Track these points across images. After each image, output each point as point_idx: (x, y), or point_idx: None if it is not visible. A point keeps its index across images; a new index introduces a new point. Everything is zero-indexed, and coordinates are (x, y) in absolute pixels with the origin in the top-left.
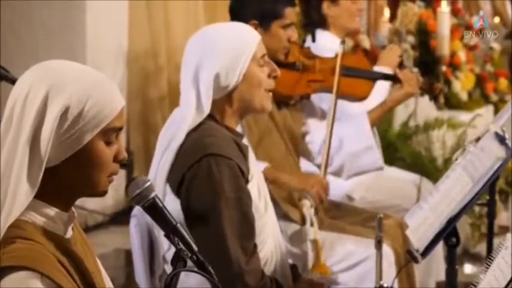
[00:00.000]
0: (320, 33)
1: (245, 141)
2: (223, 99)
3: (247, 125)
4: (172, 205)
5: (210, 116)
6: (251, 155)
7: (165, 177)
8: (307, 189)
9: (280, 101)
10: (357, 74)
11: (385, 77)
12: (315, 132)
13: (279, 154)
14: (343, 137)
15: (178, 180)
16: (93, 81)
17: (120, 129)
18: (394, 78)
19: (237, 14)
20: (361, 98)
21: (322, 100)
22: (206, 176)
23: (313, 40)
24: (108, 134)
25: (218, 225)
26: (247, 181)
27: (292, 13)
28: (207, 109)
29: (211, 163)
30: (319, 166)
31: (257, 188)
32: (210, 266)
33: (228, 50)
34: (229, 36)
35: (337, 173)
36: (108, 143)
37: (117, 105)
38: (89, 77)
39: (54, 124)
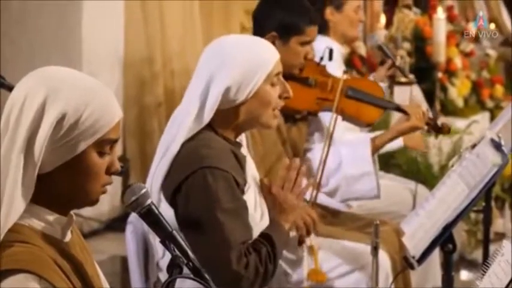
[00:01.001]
0: (319, 38)
1: (243, 150)
2: (229, 110)
3: (253, 135)
4: (167, 212)
5: (209, 125)
6: (249, 165)
7: (160, 184)
8: (294, 220)
9: (288, 114)
10: (366, 99)
11: (394, 108)
12: (317, 150)
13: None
14: (343, 159)
15: (173, 188)
16: (92, 90)
17: (115, 141)
18: (402, 111)
19: (259, 22)
20: (368, 124)
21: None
22: (202, 187)
23: (330, 59)
24: (103, 145)
25: (216, 234)
26: (243, 192)
27: (313, 32)
28: (206, 120)
29: (207, 175)
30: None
31: (254, 198)
32: (206, 273)
33: (244, 64)
34: (247, 51)
35: (331, 194)
36: (102, 154)
37: (114, 117)
38: (88, 85)
39: (50, 130)
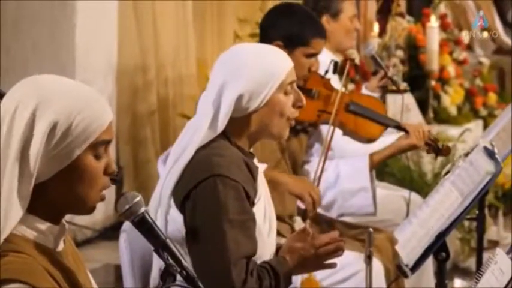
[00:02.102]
0: (324, 50)
1: (256, 162)
2: (242, 119)
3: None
4: (176, 219)
5: (223, 134)
6: (261, 176)
7: (171, 190)
8: (303, 193)
9: None
10: (367, 115)
11: (395, 126)
12: (316, 162)
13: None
14: (340, 173)
15: (183, 195)
16: (81, 95)
17: (109, 142)
18: (403, 129)
19: (266, 31)
20: (368, 140)
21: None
22: (212, 196)
23: (334, 72)
24: (97, 147)
25: (221, 244)
26: (253, 204)
27: (319, 44)
28: (221, 128)
29: (218, 183)
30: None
31: (263, 210)
32: (199, 281)
33: (257, 73)
34: (260, 59)
35: (328, 208)
36: (98, 157)
37: (106, 119)
38: (77, 91)
39: (43, 140)
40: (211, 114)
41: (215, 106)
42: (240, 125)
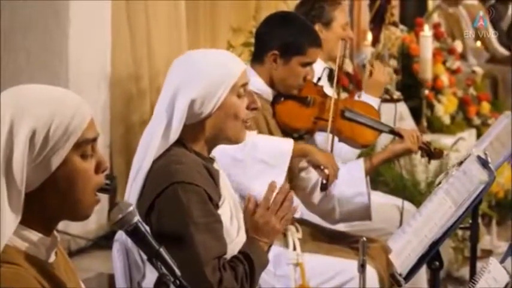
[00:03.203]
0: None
1: (216, 165)
2: (196, 125)
3: None
4: None
5: (179, 141)
6: (223, 179)
7: (135, 204)
8: (327, 164)
9: (285, 132)
10: (362, 121)
11: (389, 131)
12: (312, 170)
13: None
14: (337, 180)
15: (146, 207)
16: (56, 99)
17: (94, 140)
18: (397, 134)
19: (261, 40)
20: (364, 145)
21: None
22: (174, 203)
23: (329, 79)
24: (82, 147)
25: (191, 249)
26: (217, 206)
27: (315, 53)
28: (174, 136)
29: (179, 190)
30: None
31: (229, 212)
32: None
33: (208, 77)
34: (212, 63)
35: (326, 217)
36: (85, 156)
37: (85, 117)
38: (51, 95)
39: (25, 149)
40: (164, 122)
41: (168, 113)
42: (195, 131)
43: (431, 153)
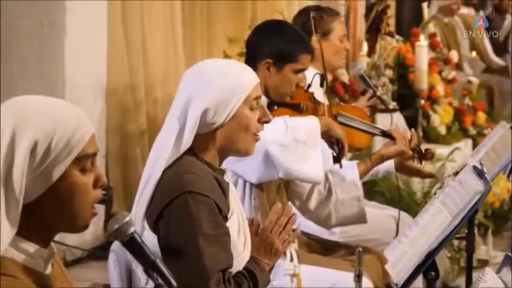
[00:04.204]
0: None
1: (226, 177)
2: (208, 135)
3: None
4: (150, 240)
5: (190, 151)
6: (232, 191)
7: (143, 213)
8: (343, 137)
9: None
10: (355, 125)
11: (381, 133)
12: None
13: (273, 190)
14: (332, 185)
15: (156, 215)
16: (59, 111)
17: (94, 155)
18: (389, 136)
19: (253, 49)
20: (357, 149)
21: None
22: (184, 213)
23: (321, 85)
24: (82, 162)
25: (197, 260)
26: (226, 218)
27: (306, 60)
28: (186, 145)
29: (189, 200)
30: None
31: (237, 225)
32: None
33: (222, 87)
34: (225, 74)
35: (323, 223)
36: (84, 171)
37: (86, 132)
38: (54, 108)
39: (25, 160)
40: (176, 130)
41: (181, 122)
42: (207, 141)
43: (423, 154)
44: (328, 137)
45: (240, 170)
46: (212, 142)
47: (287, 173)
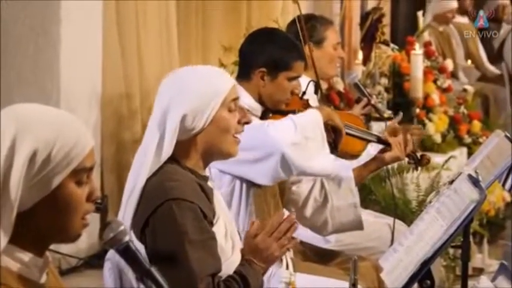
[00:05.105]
0: None
1: (210, 183)
2: (189, 141)
3: None
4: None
5: (172, 158)
6: (217, 197)
7: (130, 223)
8: (341, 124)
9: None
10: (351, 132)
11: (377, 140)
12: (304, 183)
13: (270, 196)
14: (327, 192)
15: (141, 225)
16: (61, 122)
17: (91, 168)
18: (384, 142)
19: (246, 58)
20: (353, 156)
21: None
22: (169, 220)
23: (316, 92)
24: (79, 174)
25: (186, 266)
26: (211, 223)
27: (300, 67)
28: (167, 153)
29: (173, 207)
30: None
31: (224, 229)
32: None
33: (198, 92)
34: (201, 79)
35: (320, 230)
36: (80, 183)
37: (86, 145)
38: (56, 118)
39: (23, 168)
40: (157, 139)
41: (161, 130)
42: (188, 148)
43: (418, 160)
44: (326, 125)
45: (251, 174)
46: (194, 148)
47: (301, 171)
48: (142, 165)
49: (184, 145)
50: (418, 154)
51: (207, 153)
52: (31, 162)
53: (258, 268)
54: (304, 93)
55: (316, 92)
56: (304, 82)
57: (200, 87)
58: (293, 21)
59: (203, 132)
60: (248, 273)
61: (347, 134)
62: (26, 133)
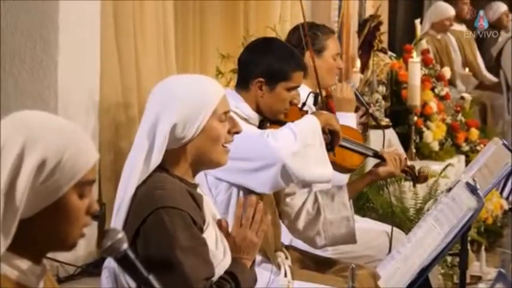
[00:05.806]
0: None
1: (199, 191)
2: (178, 150)
3: None
4: None
5: (161, 167)
6: (206, 203)
7: None
8: (338, 128)
9: None
10: (348, 145)
11: (373, 155)
12: (298, 195)
13: (268, 203)
14: (320, 205)
15: (132, 234)
16: (69, 132)
17: (93, 182)
18: (380, 157)
19: (245, 68)
20: (350, 170)
21: None
22: (159, 228)
23: (315, 104)
24: (83, 187)
25: (179, 273)
26: (202, 230)
27: (299, 77)
28: (156, 161)
29: (163, 215)
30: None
31: (214, 236)
32: None
33: (189, 101)
34: (191, 88)
35: (312, 243)
36: (82, 196)
37: (92, 158)
38: (64, 128)
39: (31, 176)
40: (146, 148)
41: (150, 139)
42: (177, 156)
43: (416, 177)
44: (323, 129)
45: (250, 182)
46: (183, 157)
47: (301, 179)
48: (131, 175)
49: (174, 154)
50: (416, 171)
51: (197, 162)
52: (39, 170)
53: (245, 261)
54: (304, 104)
55: (315, 103)
56: (303, 92)
57: (191, 97)
58: (294, 29)
59: (193, 141)
60: (236, 270)
61: (345, 147)
62: (36, 141)
